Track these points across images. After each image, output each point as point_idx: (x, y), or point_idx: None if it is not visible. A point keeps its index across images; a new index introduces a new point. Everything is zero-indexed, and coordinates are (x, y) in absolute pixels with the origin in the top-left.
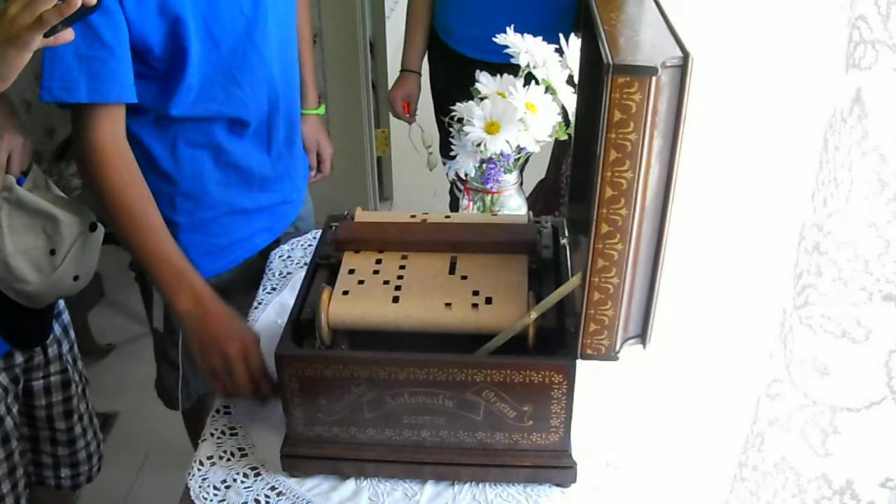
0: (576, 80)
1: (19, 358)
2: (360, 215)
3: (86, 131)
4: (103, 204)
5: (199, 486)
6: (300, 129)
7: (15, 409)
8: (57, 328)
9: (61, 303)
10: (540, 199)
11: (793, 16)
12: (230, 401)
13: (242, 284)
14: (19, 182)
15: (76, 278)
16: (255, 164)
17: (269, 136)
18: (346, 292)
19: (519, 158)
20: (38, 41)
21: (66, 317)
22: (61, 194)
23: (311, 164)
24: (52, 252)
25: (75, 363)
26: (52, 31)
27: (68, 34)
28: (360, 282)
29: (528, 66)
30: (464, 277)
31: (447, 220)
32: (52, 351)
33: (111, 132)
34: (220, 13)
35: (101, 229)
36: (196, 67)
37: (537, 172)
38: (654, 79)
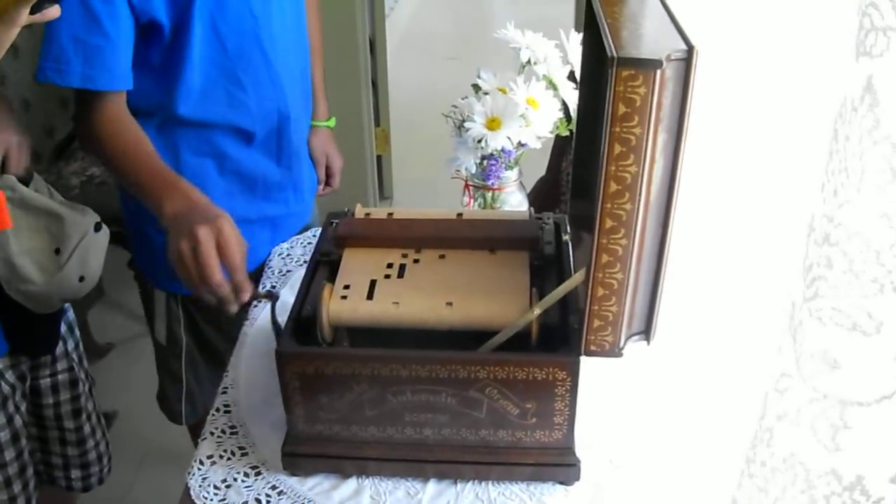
0: (577, 75)
1: None
2: (361, 212)
3: (88, 110)
4: (98, 147)
5: (200, 486)
6: (308, 141)
7: (23, 408)
8: (62, 326)
9: None
10: (540, 196)
11: (801, 4)
12: (200, 296)
13: None
14: None
15: (82, 279)
16: (260, 173)
17: (279, 147)
18: (346, 289)
19: (520, 155)
20: (24, 16)
21: (71, 314)
22: (64, 200)
23: (319, 177)
24: (57, 251)
25: (81, 361)
26: (39, 8)
27: (55, 10)
28: (361, 278)
29: (528, 61)
30: (465, 274)
31: (448, 217)
32: (59, 349)
33: (113, 108)
34: (227, 12)
35: (105, 230)
36: (198, 64)
37: (538, 169)
38: (658, 72)
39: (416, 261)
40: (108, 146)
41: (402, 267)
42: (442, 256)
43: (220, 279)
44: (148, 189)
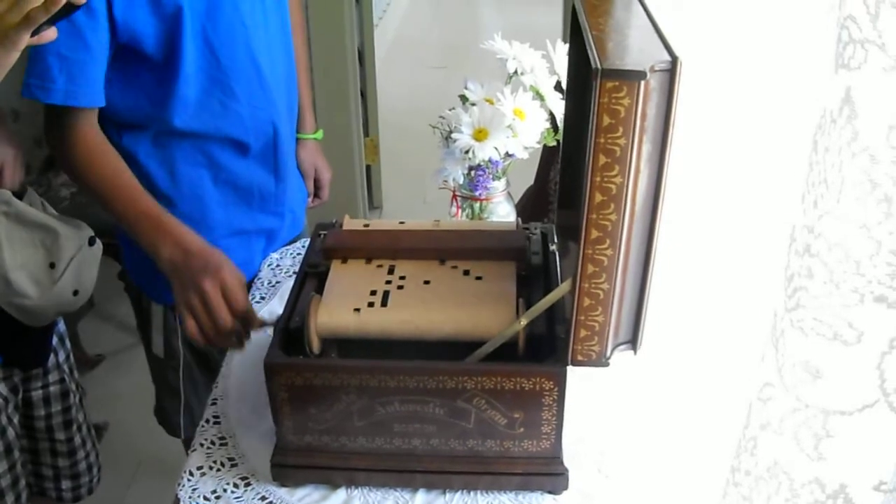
0: (564, 86)
1: None
2: (349, 223)
3: (61, 128)
4: (78, 177)
5: (190, 497)
6: (296, 154)
7: (16, 420)
8: (54, 338)
9: None
10: (528, 206)
11: (781, 17)
12: (207, 347)
13: None
14: None
15: (76, 293)
16: (255, 184)
17: (276, 159)
18: (334, 301)
19: (508, 165)
20: (25, 40)
21: (61, 326)
22: (58, 215)
23: (308, 189)
24: (52, 266)
25: (72, 373)
26: (37, 30)
27: (52, 33)
28: (349, 290)
29: (515, 71)
30: (452, 285)
31: (436, 228)
32: (51, 360)
33: (85, 127)
34: (218, 23)
35: (99, 244)
36: (192, 76)
37: (525, 179)
38: (642, 83)
39: (403, 272)
40: (86, 178)
41: (389, 277)
42: (429, 267)
43: (232, 326)
44: (137, 231)
